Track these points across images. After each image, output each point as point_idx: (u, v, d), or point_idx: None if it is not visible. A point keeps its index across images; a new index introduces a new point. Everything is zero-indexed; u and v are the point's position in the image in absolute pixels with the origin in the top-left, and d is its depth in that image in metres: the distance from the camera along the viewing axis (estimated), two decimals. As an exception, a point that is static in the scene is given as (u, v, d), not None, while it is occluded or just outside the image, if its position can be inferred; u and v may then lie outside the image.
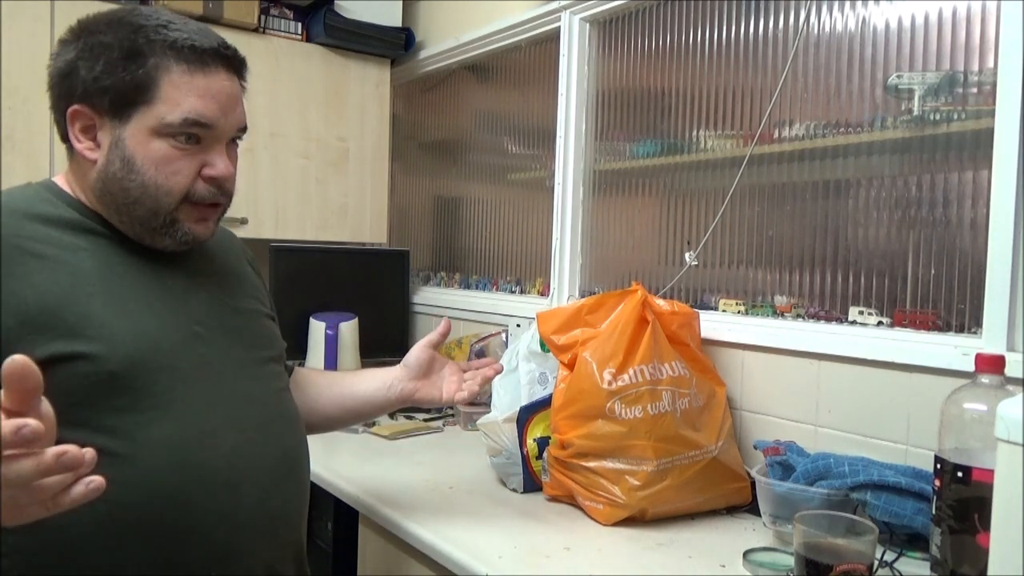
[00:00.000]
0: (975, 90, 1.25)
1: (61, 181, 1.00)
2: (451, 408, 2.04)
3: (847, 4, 1.43)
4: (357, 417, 1.31)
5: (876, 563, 1.04)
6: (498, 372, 1.28)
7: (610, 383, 1.31)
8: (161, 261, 1.01)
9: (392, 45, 2.49)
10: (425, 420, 2.00)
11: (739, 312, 1.59)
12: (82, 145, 0.94)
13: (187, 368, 0.96)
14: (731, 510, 1.38)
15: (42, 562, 0.87)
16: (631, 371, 1.32)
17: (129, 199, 0.93)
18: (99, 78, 0.90)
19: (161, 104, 0.91)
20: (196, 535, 0.92)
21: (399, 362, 1.28)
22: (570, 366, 1.38)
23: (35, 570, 0.87)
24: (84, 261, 0.93)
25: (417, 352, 1.27)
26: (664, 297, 1.74)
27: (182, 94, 0.91)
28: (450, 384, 1.26)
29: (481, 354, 1.99)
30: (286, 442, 1.06)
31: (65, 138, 0.96)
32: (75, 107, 0.92)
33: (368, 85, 2.50)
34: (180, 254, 1.03)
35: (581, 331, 1.41)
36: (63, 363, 0.85)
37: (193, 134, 0.93)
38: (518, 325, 1.97)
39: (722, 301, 1.63)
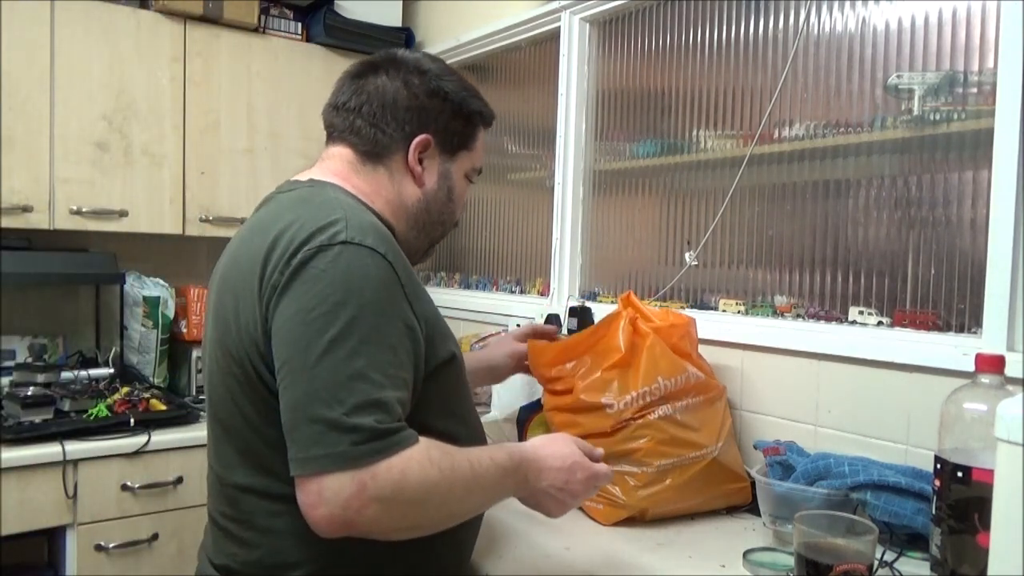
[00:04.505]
0: (975, 90, 1.25)
1: (359, 193, 1.05)
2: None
3: (847, 4, 1.43)
4: None
5: (876, 563, 1.04)
6: None
7: (610, 407, 1.29)
8: None
9: (392, 45, 2.48)
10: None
11: (739, 312, 1.59)
12: (421, 169, 1.07)
13: None
14: (731, 510, 1.38)
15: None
16: (631, 395, 1.30)
17: (440, 220, 1.11)
18: (463, 118, 1.09)
19: (475, 153, 1.13)
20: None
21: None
22: (563, 395, 1.36)
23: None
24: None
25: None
26: (664, 297, 1.74)
27: (483, 150, 1.15)
28: None
29: (481, 354, 1.99)
30: None
31: (372, 155, 1.05)
32: (427, 136, 1.06)
33: (368, 85, 2.50)
34: None
35: (572, 364, 1.37)
36: (447, 363, 0.98)
37: (472, 182, 1.16)
38: (518, 325, 1.96)
39: (722, 301, 1.63)
